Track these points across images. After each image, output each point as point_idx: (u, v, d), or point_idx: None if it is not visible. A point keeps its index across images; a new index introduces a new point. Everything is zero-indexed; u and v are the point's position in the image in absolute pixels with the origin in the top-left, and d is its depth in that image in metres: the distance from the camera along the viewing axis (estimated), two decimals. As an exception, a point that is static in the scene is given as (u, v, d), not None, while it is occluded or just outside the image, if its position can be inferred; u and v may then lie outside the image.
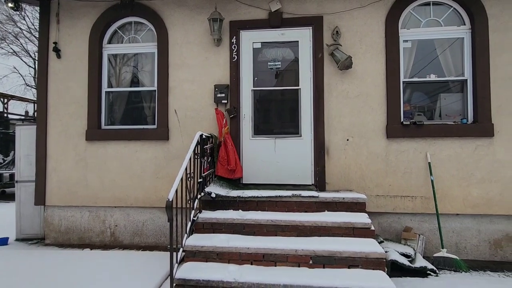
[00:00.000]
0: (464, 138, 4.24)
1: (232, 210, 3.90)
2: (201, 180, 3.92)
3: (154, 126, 4.98)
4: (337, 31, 4.52)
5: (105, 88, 5.16)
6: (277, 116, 4.87)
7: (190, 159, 3.55)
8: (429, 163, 4.25)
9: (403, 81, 4.47)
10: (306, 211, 3.89)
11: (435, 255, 4.01)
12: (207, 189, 4.01)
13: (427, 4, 4.50)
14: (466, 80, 4.35)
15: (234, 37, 4.82)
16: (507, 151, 4.14)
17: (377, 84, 4.47)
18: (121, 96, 5.20)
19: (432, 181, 4.21)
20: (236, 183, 4.67)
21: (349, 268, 3.11)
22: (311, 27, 4.68)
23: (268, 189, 4.36)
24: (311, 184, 4.61)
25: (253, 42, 4.86)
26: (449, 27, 4.42)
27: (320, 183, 4.53)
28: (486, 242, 4.21)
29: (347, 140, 4.51)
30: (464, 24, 4.38)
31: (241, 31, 4.85)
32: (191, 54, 4.89)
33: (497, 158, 4.16)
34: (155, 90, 5.01)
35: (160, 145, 4.89)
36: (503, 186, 4.14)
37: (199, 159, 3.90)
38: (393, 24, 4.45)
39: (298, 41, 4.74)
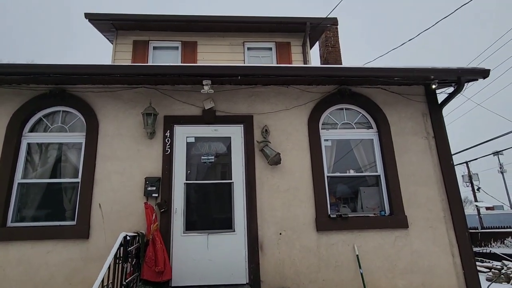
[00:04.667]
0: (385, 229, 4.55)
1: (155, 325, 3.44)
2: (121, 288, 3.48)
3: (73, 223, 4.49)
4: (266, 129, 4.88)
5: (18, 179, 4.66)
6: (210, 210, 4.79)
7: (110, 266, 3.18)
8: (357, 255, 4.40)
9: (327, 176, 4.84)
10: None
11: None
12: (128, 299, 3.55)
13: (342, 109, 5.19)
14: (380, 175, 4.86)
15: (168, 131, 4.89)
16: (421, 242, 4.51)
17: (305, 178, 4.75)
18: (38, 188, 4.71)
19: (361, 274, 4.30)
20: (165, 287, 4.24)
21: None
22: (242, 125, 4.99)
23: (200, 291, 4.02)
24: (245, 283, 4.38)
25: (187, 137, 4.97)
26: (360, 130, 5.09)
27: (255, 282, 4.32)
28: (417, 336, 4.24)
29: (280, 234, 4.53)
30: (372, 128, 5.08)
31: (175, 125, 4.96)
32: (122, 146, 4.78)
33: (414, 249, 4.48)
34: (78, 182, 4.66)
35: (78, 245, 4.36)
36: (423, 276, 4.38)
37: (121, 264, 3.51)
38: (315, 125, 4.97)
39: (230, 137, 4.98)
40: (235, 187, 4.75)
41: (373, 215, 4.69)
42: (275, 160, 4.63)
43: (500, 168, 32.17)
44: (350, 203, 4.95)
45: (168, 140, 4.85)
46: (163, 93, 5.01)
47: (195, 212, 4.75)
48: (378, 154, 4.93)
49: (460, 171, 30.57)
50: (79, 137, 4.89)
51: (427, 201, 4.67)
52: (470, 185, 29.45)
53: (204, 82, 4.74)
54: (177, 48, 8.47)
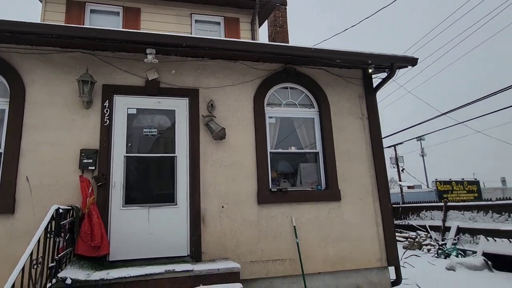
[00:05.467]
0: (320, 202, 4.90)
1: (91, 298, 3.36)
2: (53, 264, 3.31)
3: (-5, 197, 4.08)
4: (211, 104, 4.86)
5: None
6: (151, 184, 4.69)
7: (39, 240, 3.00)
8: (294, 226, 4.70)
9: (270, 152, 5.01)
10: (180, 288, 3.66)
11: (303, 316, 4.27)
12: (61, 274, 3.40)
13: (286, 88, 5.36)
14: (318, 152, 5.18)
15: (107, 101, 4.61)
16: (351, 213, 4.96)
17: (248, 154, 4.87)
18: None
19: (297, 243, 4.62)
20: (101, 262, 4.11)
21: None
22: (187, 98, 4.90)
23: (139, 265, 3.97)
24: (186, 255, 4.44)
25: (128, 108, 4.74)
26: (303, 109, 5.33)
27: (196, 253, 4.40)
28: (343, 296, 4.74)
29: (222, 207, 4.63)
30: (314, 107, 5.35)
31: (115, 95, 4.69)
32: (54, 115, 4.40)
33: (345, 219, 4.92)
34: (1, 153, 4.21)
35: (0, 220, 3.99)
36: (351, 244, 4.86)
37: (52, 239, 3.32)
38: (260, 102, 5.07)
39: (174, 110, 4.86)
40: (179, 161, 4.70)
41: (310, 189, 5.01)
42: (220, 135, 4.65)
43: (422, 152, 36.13)
44: (290, 179, 5.22)
45: (107, 111, 4.58)
46: (102, 60, 4.67)
47: (136, 185, 4.62)
48: (318, 133, 5.23)
49: (388, 154, 33.74)
50: (1, 103, 4.38)
51: (359, 177, 5.12)
52: (396, 166, 32.77)
53: (148, 51, 4.51)
54: (118, 13, 7.85)
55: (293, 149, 5.19)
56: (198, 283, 3.74)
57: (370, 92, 5.44)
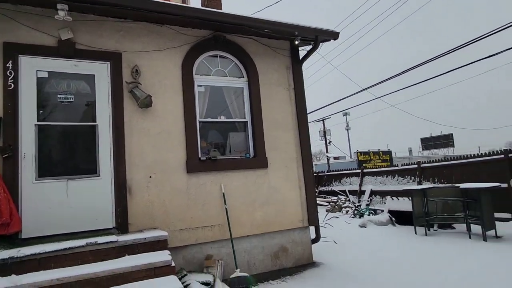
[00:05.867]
0: (248, 170, 5.10)
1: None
2: None
3: None
4: (136, 70, 4.58)
5: None
6: (70, 155, 4.34)
7: None
8: (223, 193, 4.84)
9: (199, 121, 4.98)
10: (104, 260, 3.56)
11: (231, 276, 4.51)
12: (-40, 255, 3.04)
13: (216, 56, 5.29)
14: (247, 122, 5.31)
15: (11, 61, 4.04)
16: (277, 179, 5.27)
17: (177, 122, 4.77)
18: None
19: (226, 209, 4.79)
20: (13, 240, 3.77)
21: (147, 312, 3.05)
22: (109, 63, 4.53)
23: (59, 240, 3.74)
24: (112, 227, 4.30)
25: (37, 70, 4.22)
26: (232, 78, 5.34)
27: (122, 225, 4.29)
28: (268, 256, 5.11)
29: (150, 177, 4.53)
30: (243, 77, 5.40)
31: (20, 56, 4.12)
32: None
33: (272, 185, 5.22)
34: None
35: None
36: (276, 208, 5.20)
37: None
38: (189, 69, 4.94)
39: (94, 75, 4.47)
40: (101, 129, 4.41)
41: (239, 157, 5.16)
42: (145, 103, 4.46)
43: (346, 126, 39.31)
44: (220, 148, 5.29)
45: (10, 73, 4.02)
46: (2, 14, 4.03)
47: (51, 157, 4.23)
48: (247, 102, 5.33)
49: (317, 128, 36.05)
50: None
51: (285, 145, 5.41)
52: (324, 139, 35.27)
53: (59, 6, 4.02)
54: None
55: (222, 119, 5.23)
56: (123, 253, 3.68)
57: (297, 64, 5.66)
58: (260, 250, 5.07)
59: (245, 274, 4.56)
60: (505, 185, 7.18)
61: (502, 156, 8.36)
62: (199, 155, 4.85)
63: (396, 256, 5.55)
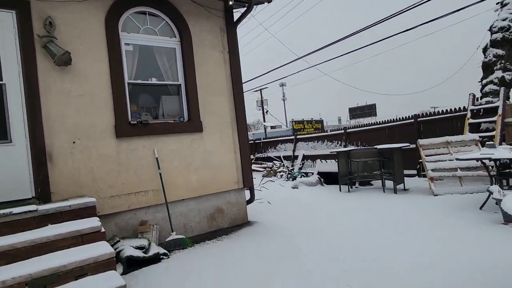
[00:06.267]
0: (183, 134, 5.01)
1: None
2: None
3: None
4: (50, 22, 4.04)
5: None
6: (-30, 118, 3.77)
7: None
8: (156, 158, 4.71)
9: (128, 82, 4.66)
10: (23, 231, 3.29)
11: (167, 239, 4.54)
12: None
13: (144, 13, 4.90)
14: (180, 84, 5.13)
15: None
16: (212, 143, 5.29)
17: (103, 84, 4.41)
18: None
19: (160, 174, 4.70)
20: None
21: (76, 279, 2.94)
22: (14, 11, 3.91)
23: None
24: (31, 197, 3.94)
25: None
26: (164, 37, 5.04)
27: (43, 194, 3.94)
28: (205, 218, 5.22)
29: (74, 142, 4.18)
30: (175, 37, 5.13)
31: None
32: None
33: (207, 149, 5.22)
34: None
35: None
36: (212, 171, 5.26)
37: None
38: (114, 25, 4.52)
39: (-4, 25, 3.85)
40: (9, 90, 3.87)
41: (173, 121, 5.02)
42: (63, 60, 4.00)
43: (283, 96, 40.42)
44: (152, 111, 5.07)
45: None
46: None
47: None
48: (180, 64, 5.11)
49: (255, 97, 36.45)
50: None
51: (219, 109, 5.40)
52: (261, 109, 35.92)
53: None
54: None
55: (154, 81, 4.97)
56: (46, 222, 3.43)
57: (231, 26, 5.54)
58: (197, 213, 5.14)
59: (181, 236, 4.63)
60: (413, 145, 8.21)
61: (412, 120, 9.50)
62: (129, 119, 4.59)
63: (322, 210, 6.10)
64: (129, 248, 3.96)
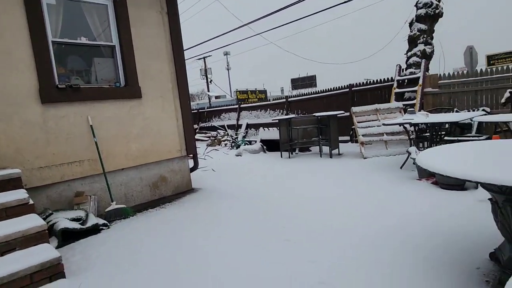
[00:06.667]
0: (120, 100, 4.72)
1: None
2: None
3: None
4: None
5: None
6: None
7: None
8: (91, 126, 4.41)
9: (52, 41, 4.17)
10: None
11: (106, 209, 4.38)
12: None
13: (68, -38, 4.34)
14: (115, 46, 4.75)
15: None
16: (152, 109, 5.08)
17: (20, 41, 3.89)
18: None
19: (96, 142, 4.42)
20: None
21: (3, 255, 2.73)
22: None
23: None
24: None
25: None
26: (93, -8, 4.55)
27: (-45, 167, 3.49)
28: (147, 186, 5.11)
29: (-11, 108, 3.71)
30: (106, -7, 4.67)
31: None
32: None
33: (147, 116, 5.02)
34: None
35: None
36: (153, 139, 5.10)
37: None
38: (30, -26, 3.94)
39: None
40: None
41: (108, 86, 4.69)
42: (-32, 11, 3.42)
43: (227, 65, 39.70)
44: (84, 76, 4.66)
45: None
46: None
47: None
48: (113, 23, 4.69)
49: (198, 66, 35.26)
50: None
51: (159, 74, 5.15)
52: (205, 78, 34.95)
53: None
54: None
55: (84, 40, 4.52)
56: (-40, 198, 3.07)
57: (169, -15, 5.19)
58: (138, 182, 5.01)
59: (122, 205, 4.50)
60: (348, 113, 8.81)
61: (347, 90, 10.12)
62: (57, 83, 4.17)
63: (264, 175, 6.36)
64: (64, 220, 3.76)
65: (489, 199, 2.31)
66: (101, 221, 4.07)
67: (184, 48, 5.64)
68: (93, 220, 4.00)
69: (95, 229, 3.95)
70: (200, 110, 17.06)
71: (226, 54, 38.88)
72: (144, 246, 3.42)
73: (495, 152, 2.40)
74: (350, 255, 2.78)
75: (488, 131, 6.44)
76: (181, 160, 5.55)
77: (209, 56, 33.65)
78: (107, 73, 4.80)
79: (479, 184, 2.05)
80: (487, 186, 2.08)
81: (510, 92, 6.02)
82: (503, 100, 6.15)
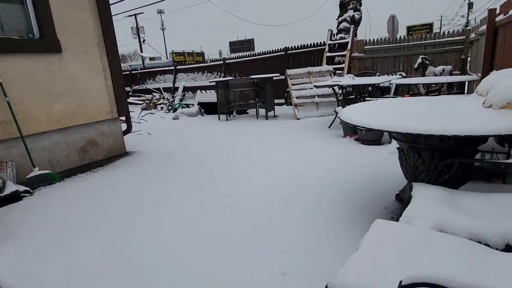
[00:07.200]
0: (36, 54, 4.20)
1: None
2: None
3: None
4: None
5: None
6: None
7: None
8: (0, 83, 3.90)
9: None
10: None
11: (28, 176, 4.04)
12: None
13: None
14: (23, -10, 4.13)
15: None
16: (75, 66, 4.64)
17: None
18: None
19: (8, 102, 3.95)
20: None
21: None
22: None
23: None
24: None
25: None
26: None
27: None
28: (75, 151, 4.78)
29: None
30: None
31: None
32: None
33: (69, 74, 4.57)
34: None
35: None
36: (79, 100, 4.71)
37: None
38: None
39: None
40: None
41: (18, 37, 4.12)
42: None
43: (162, 25, 37.01)
44: (-15, 24, 4.01)
45: None
46: None
47: None
48: (19, -37, 4.05)
49: (129, 23, 32.29)
50: None
51: (81, 26, 4.65)
52: (137, 37, 32.23)
53: None
54: None
55: (-19, -18, 3.84)
56: None
57: None
58: (64, 146, 4.66)
59: (46, 171, 4.19)
60: (283, 76, 9.06)
61: (283, 53, 10.31)
62: (-50, 31, 3.54)
63: (201, 137, 6.38)
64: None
65: (397, 148, 2.68)
66: (22, 188, 3.77)
67: (111, 2, 5.14)
68: (12, 188, 3.69)
69: (15, 196, 3.67)
70: (133, 72, 15.92)
71: (160, 12, 36.09)
72: (72, 209, 3.29)
73: (404, 108, 2.76)
74: (278, 204, 3.05)
75: (404, 93, 7.23)
76: (112, 122, 5.25)
77: (141, 13, 30.98)
78: (16, 22, 4.18)
79: (392, 138, 2.37)
80: (395, 136, 2.42)
81: (421, 58, 6.76)
82: (415, 66, 6.90)
